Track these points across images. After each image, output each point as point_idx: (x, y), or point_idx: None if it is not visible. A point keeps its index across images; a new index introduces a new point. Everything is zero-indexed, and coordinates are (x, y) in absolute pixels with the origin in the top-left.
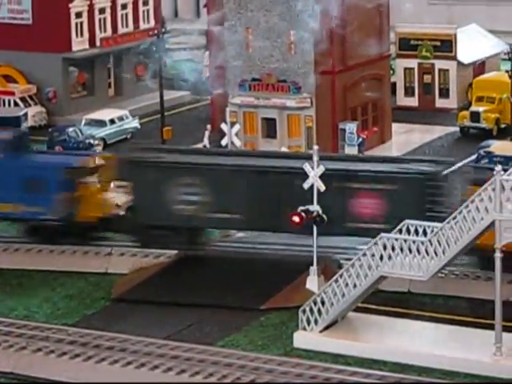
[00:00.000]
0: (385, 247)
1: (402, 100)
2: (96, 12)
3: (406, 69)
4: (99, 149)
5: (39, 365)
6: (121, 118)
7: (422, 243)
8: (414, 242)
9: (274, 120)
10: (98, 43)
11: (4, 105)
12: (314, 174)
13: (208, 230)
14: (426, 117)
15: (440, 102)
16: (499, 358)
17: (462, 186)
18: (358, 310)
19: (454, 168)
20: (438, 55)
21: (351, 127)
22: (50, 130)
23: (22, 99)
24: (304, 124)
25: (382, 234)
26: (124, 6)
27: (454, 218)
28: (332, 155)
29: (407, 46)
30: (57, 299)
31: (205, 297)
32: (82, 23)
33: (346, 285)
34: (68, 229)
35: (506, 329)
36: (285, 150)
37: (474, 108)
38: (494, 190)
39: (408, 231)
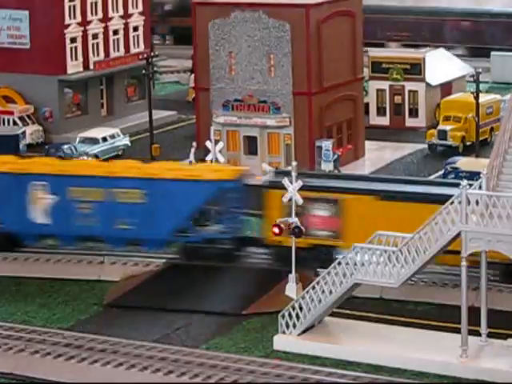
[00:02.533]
0: (358, 256)
1: (375, 119)
2: (90, 37)
3: (378, 90)
4: None
5: (37, 366)
6: (112, 136)
7: (393, 252)
8: (385, 251)
9: (255, 138)
10: (91, 66)
11: (4, 124)
12: (292, 188)
13: None
14: (396, 135)
15: (410, 121)
16: (465, 360)
17: None
18: (333, 314)
19: None
20: (407, 77)
21: (327, 145)
22: (46, 147)
23: (21, 118)
24: (283, 142)
25: (356, 244)
26: (116, 32)
27: (423, 229)
28: None
29: (379, 68)
30: (53, 305)
31: (191, 303)
32: (76, 48)
33: (323, 291)
34: None
35: (471, 332)
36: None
37: (441, 127)
38: (460, 203)
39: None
